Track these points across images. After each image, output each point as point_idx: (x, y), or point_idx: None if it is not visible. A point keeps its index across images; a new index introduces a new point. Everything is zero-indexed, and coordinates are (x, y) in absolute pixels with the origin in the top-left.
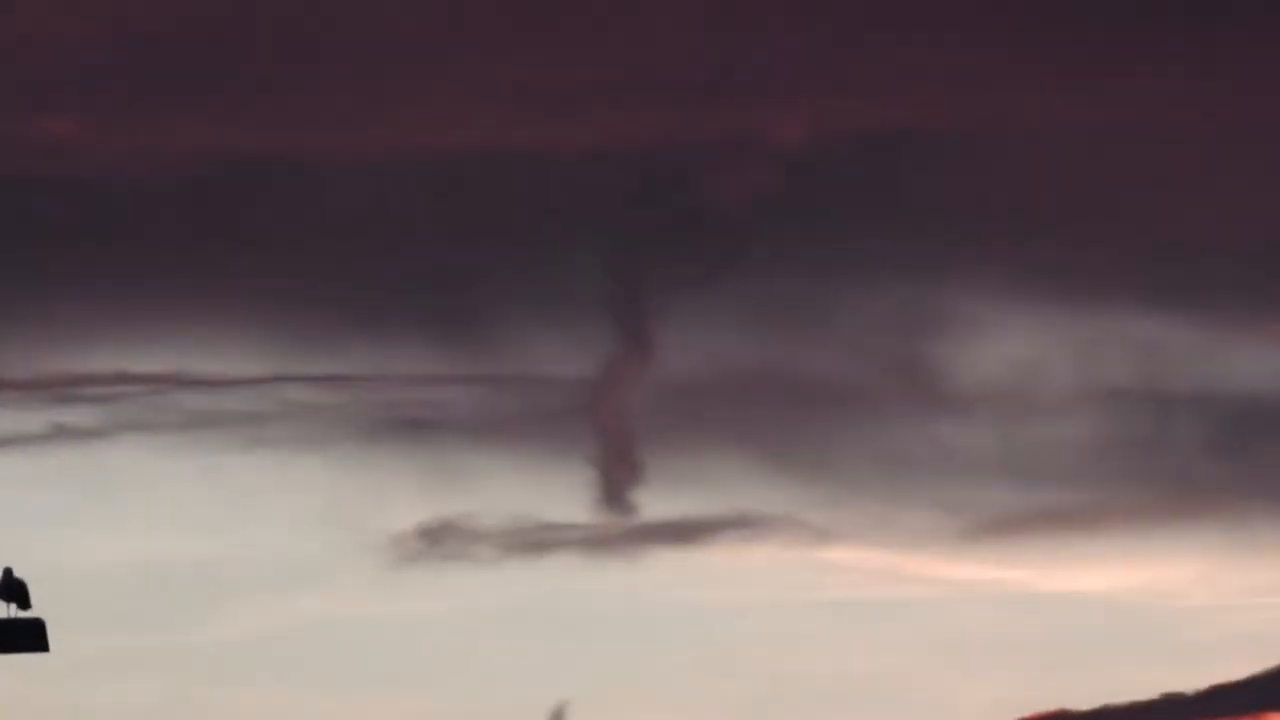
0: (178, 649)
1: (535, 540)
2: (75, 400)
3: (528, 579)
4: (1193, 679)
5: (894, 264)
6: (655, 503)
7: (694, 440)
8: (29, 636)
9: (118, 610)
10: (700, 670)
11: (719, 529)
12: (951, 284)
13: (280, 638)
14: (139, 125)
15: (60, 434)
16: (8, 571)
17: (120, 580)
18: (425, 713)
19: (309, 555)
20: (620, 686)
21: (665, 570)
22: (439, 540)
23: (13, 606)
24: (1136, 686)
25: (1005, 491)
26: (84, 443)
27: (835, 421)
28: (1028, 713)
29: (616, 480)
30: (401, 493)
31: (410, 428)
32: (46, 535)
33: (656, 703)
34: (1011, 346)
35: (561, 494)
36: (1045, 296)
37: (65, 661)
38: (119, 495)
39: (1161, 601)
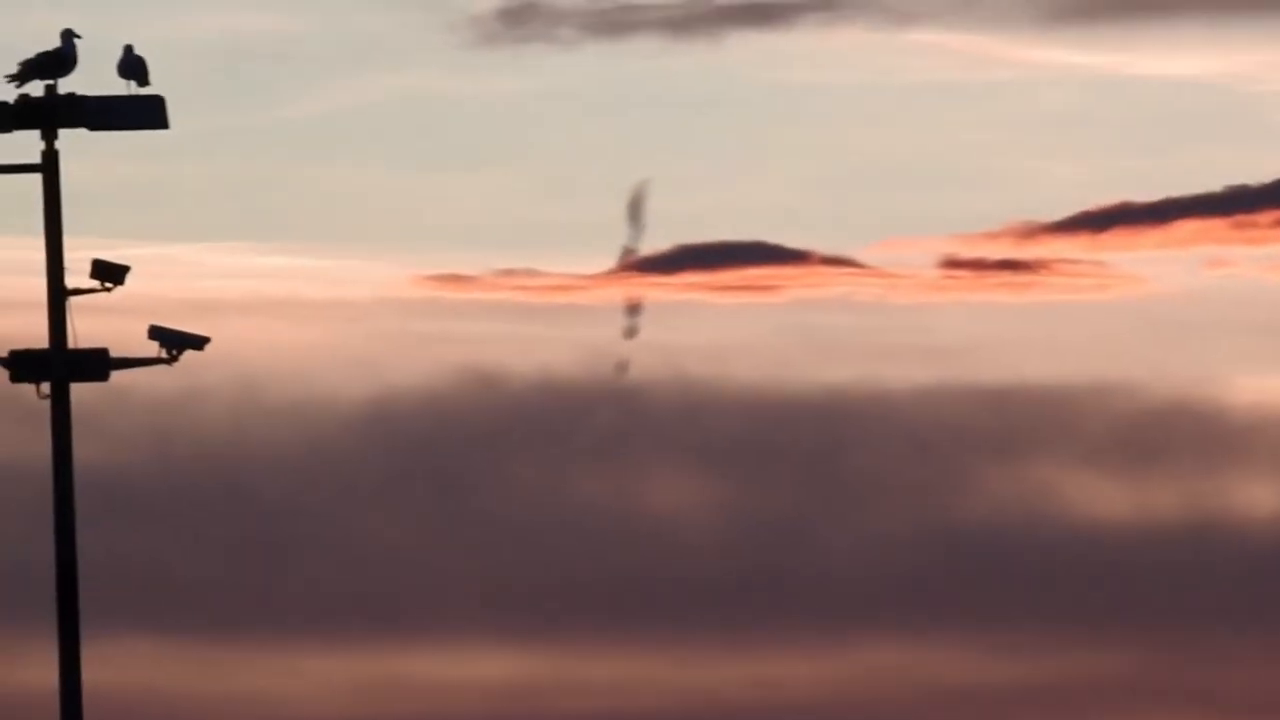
0: (268, 125)
1: (615, 21)
2: None
3: (608, 60)
4: (1258, 171)
5: None
6: None
7: None
8: (150, 113)
9: (212, 86)
10: (781, 151)
11: (801, 10)
12: None
13: (364, 114)
14: None
15: None
16: (127, 49)
17: (205, 57)
18: (506, 189)
19: (390, 34)
20: (700, 166)
21: (747, 52)
22: (519, 21)
23: (132, 84)
24: (1201, 178)
25: None
26: None
27: None
28: (1090, 205)
29: None
30: None
31: None
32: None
33: (736, 182)
34: None
35: None
36: None
37: (177, 138)
38: None
39: (1241, 86)
